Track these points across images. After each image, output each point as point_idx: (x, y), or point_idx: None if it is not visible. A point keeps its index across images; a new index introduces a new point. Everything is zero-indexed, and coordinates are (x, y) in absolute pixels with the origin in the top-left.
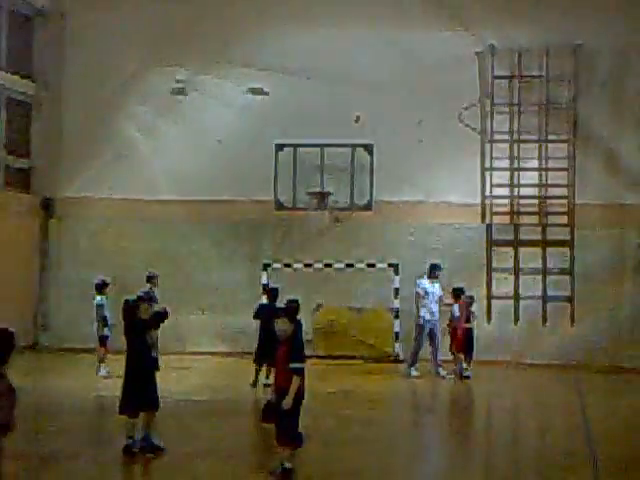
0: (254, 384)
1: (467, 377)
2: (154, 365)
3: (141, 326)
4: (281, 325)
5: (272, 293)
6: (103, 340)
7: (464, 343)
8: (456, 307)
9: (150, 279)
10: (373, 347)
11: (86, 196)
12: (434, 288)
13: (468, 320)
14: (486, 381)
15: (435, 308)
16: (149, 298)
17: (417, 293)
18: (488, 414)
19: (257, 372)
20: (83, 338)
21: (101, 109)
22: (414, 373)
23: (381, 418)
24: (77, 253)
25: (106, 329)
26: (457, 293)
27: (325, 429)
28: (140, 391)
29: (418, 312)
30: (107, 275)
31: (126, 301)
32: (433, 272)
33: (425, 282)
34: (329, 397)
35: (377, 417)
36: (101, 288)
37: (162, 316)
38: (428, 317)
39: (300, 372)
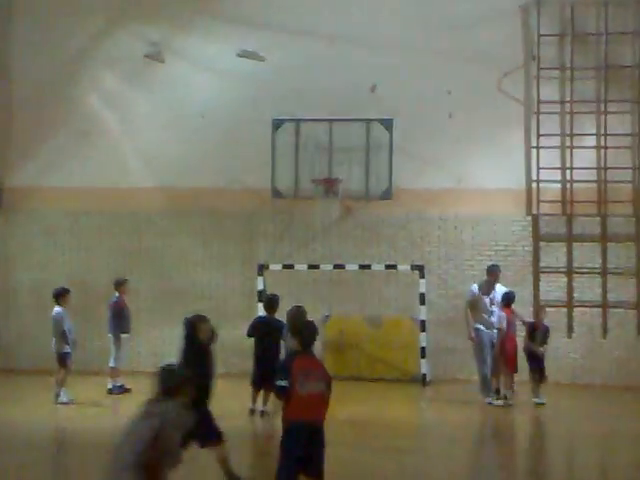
0: (252, 412)
1: (540, 403)
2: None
3: (197, 350)
4: (293, 344)
5: (269, 303)
6: (63, 359)
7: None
8: (502, 315)
9: (119, 285)
10: (394, 366)
11: (41, 185)
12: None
13: (544, 341)
14: (534, 406)
15: (494, 318)
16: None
17: (469, 302)
18: (547, 448)
19: (255, 397)
20: (38, 357)
21: (58, 80)
22: (497, 402)
23: (416, 449)
24: (30, 254)
25: (66, 346)
26: (507, 299)
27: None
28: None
29: (469, 324)
30: (67, 280)
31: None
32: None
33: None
34: (346, 426)
35: (412, 448)
36: (60, 297)
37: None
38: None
39: (278, 391)
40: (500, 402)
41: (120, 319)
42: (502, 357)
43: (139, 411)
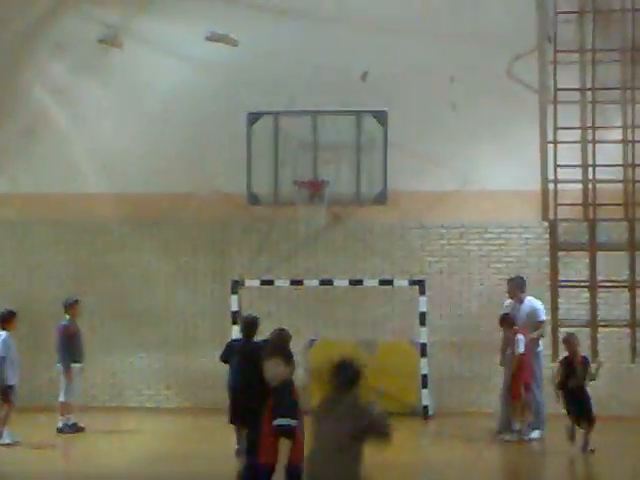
0: (239, 452)
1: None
2: None
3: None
4: (272, 368)
5: (248, 326)
6: (7, 393)
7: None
8: (521, 338)
9: (69, 307)
10: (391, 397)
11: None
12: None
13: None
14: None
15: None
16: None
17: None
18: None
19: (239, 435)
20: None
21: None
22: (508, 438)
23: None
24: None
25: (11, 377)
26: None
27: None
28: None
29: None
30: (10, 301)
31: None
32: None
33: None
34: None
35: None
36: (5, 321)
37: None
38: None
39: (289, 431)
40: (513, 437)
41: (71, 346)
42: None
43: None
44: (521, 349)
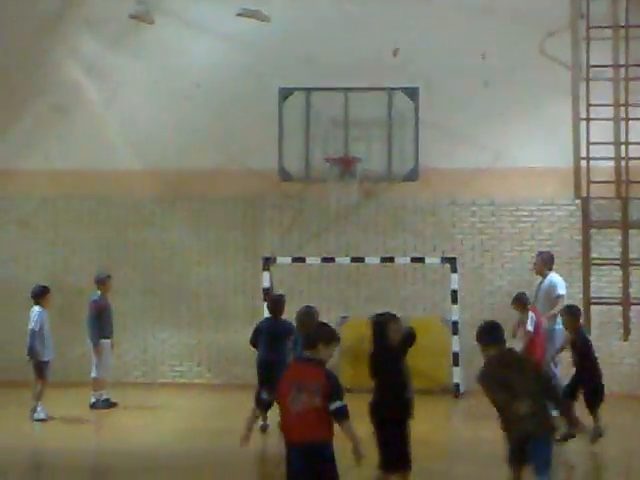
0: (264, 428)
1: None
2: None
3: (390, 355)
4: (318, 353)
5: (273, 304)
6: (41, 369)
7: None
8: (532, 316)
9: (100, 282)
10: (422, 375)
11: (12, 168)
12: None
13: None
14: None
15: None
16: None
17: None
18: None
19: (264, 414)
20: (10, 366)
21: (30, 46)
22: None
23: (449, 473)
24: (1, 247)
25: (45, 353)
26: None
27: None
28: (391, 445)
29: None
30: (44, 277)
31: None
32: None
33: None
34: (366, 446)
35: (443, 471)
36: (40, 296)
37: (409, 340)
38: None
39: (346, 413)
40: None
41: (101, 322)
42: None
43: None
44: (529, 327)
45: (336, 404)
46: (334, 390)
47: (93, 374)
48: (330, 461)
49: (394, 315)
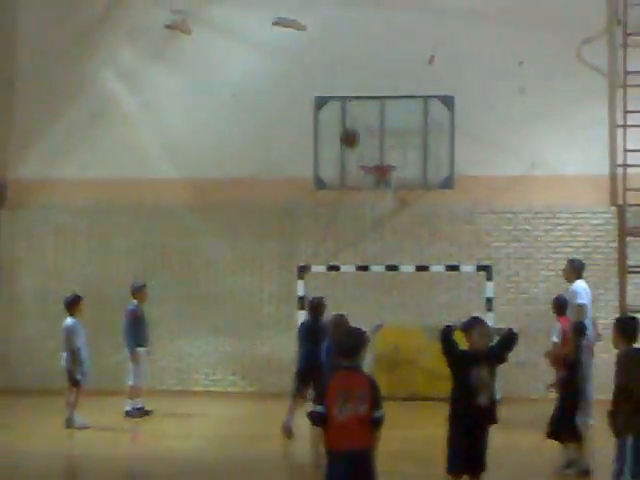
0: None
1: None
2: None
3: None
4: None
5: (312, 307)
6: (75, 377)
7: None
8: (558, 326)
9: (136, 291)
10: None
11: (47, 178)
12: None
13: None
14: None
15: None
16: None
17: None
18: None
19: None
20: (46, 375)
21: (66, 55)
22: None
23: None
24: (36, 256)
25: (79, 362)
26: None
27: None
28: (468, 447)
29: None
30: (79, 287)
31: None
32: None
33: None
34: (400, 455)
35: None
36: (72, 305)
37: (511, 342)
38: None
39: (383, 422)
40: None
41: (137, 330)
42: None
43: None
44: (555, 338)
45: (380, 412)
46: (378, 398)
47: (129, 382)
48: (373, 467)
49: (480, 320)
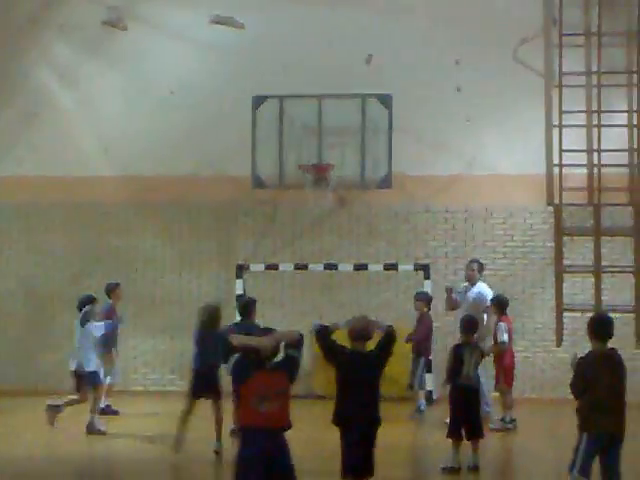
0: (233, 432)
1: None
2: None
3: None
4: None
5: (245, 307)
6: (85, 380)
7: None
8: (503, 326)
9: (111, 290)
10: (395, 381)
11: None
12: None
13: None
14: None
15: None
16: None
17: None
18: None
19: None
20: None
21: (2, 52)
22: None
23: None
24: None
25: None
26: (502, 305)
27: None
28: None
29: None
30: (13, 284)
31: None
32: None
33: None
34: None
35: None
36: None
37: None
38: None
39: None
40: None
41: (112, 331)
42: (502, 374)
43: None
44: (504, 338)
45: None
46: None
47: (109, 380)
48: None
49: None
